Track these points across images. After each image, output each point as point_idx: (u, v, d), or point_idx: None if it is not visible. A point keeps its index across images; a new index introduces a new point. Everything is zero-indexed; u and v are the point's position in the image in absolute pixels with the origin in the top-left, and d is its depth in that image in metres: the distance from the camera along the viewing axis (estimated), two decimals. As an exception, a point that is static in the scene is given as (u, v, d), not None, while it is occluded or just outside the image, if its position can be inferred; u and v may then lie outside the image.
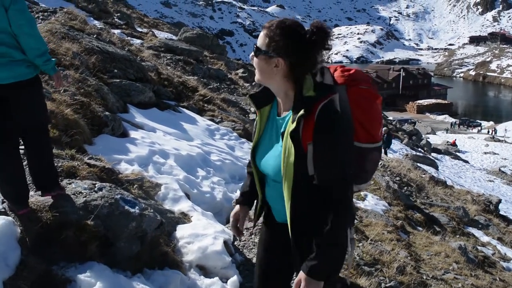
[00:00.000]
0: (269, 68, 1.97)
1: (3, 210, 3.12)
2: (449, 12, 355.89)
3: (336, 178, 1.88)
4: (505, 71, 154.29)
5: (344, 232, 1.94)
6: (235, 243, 4.53)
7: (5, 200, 3.20)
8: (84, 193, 3.34)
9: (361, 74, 2.21)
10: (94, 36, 9.88)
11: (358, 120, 2.11)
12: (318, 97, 1.90)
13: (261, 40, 1.98)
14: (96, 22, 15.72)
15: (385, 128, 20.98)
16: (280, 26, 1.93)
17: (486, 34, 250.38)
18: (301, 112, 1.87)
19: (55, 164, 3.63)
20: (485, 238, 8.95)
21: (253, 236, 4.75)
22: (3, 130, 2.97)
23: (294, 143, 1.88)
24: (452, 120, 69.48)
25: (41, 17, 10.24)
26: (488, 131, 60.97)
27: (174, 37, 22.93)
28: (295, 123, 1.88)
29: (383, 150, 18.02)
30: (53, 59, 3.14)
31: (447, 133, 56.39)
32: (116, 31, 15.70)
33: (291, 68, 1.95)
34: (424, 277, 5.25)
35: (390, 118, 47.83)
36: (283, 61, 1.93)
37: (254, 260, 4.24)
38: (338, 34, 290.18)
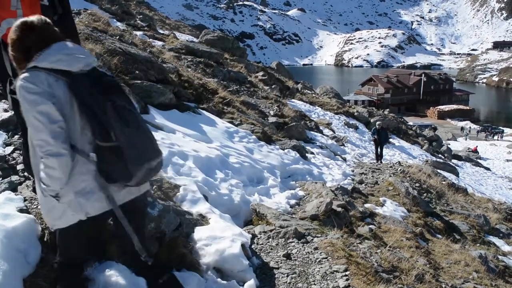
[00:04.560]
0: None
1: (24, 208, 3.17)
2: (473, 17, 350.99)
3: None
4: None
5: None
6: (253, 246, 4.52)
7: (26, 199, 3.25)
8: (104, 193, 3.35)
9: None
10: (117, 37, 10.02)
11: None
12: None
13: None
14: (119, 24, 15.91)
15: (378, 122, 20.08)
16: None
17: (511, 40, 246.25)
18: None
19: None
20: (506, 248, 8.76)
21: (270, 239, 4.74)
22: None
23: None
24: (467, 125, 67.75)
25: (65, 18, 10.38)
26: (494, 137, 59.64)
27: (195, 40, 23.13)
28: None
29: (378, 148, 17.52)
30: None
31: (466, 139, 55.56)
32: (138, 33, 15.89)
33: None
34: (443, 285, 5.16)
35: (410, 123, 47.20)
36: None
37: (271, 264, 4.23)
38: (359, 38, 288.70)
